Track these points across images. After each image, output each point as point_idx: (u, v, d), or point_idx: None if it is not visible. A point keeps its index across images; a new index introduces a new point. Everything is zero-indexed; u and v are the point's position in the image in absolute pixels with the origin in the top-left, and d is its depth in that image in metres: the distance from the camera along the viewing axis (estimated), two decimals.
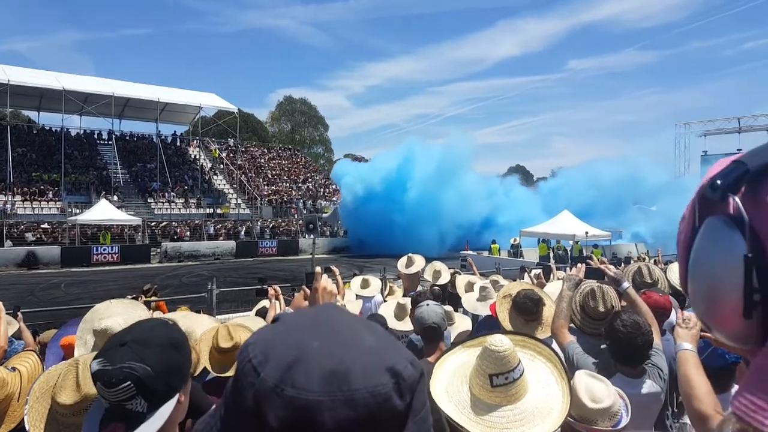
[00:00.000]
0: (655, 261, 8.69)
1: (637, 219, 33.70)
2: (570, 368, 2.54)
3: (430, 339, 3.03)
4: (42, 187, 32.68)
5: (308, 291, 2.08)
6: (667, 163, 47.26)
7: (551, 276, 6.18)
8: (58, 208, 31.74)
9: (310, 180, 47.92)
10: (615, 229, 27.81)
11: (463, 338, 3.82)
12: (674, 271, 4.29)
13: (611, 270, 3.06)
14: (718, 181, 0.60)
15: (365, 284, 6.29)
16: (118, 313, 2.69)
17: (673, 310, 3.50)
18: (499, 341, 1.78)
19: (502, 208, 36.80)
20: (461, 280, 5.80)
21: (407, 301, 4.70)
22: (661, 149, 39.68)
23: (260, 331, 0.63)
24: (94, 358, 1.37)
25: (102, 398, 1.34)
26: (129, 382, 1.29)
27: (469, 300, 4.91)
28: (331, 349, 0.56)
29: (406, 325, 4.39)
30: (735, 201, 0.59)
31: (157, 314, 4.57)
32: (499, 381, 1.74)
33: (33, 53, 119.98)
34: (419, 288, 5.92)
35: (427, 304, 3.14)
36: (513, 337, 1.94)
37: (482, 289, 4.87)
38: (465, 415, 1.77)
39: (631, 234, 32.00)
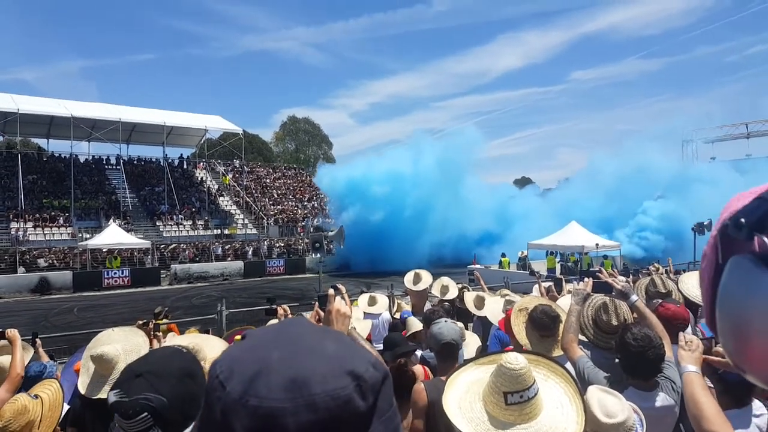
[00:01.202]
0: (666, 271, 8.59)
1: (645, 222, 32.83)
2: (581, 383, 2.53)
3: (447, 356, 3.00)
4: (53, 213, 32.98)
5: (321, 313, 2.10)
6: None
7: (562, 289, 6.13)
8: (69, 233, 31.98)
9: (315, 198, 48.06)
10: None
11: (478, 354, 3.81)
12: (687, 282, 4.26)
13: (619, 284, 3.05)
14: (743, 220, 0.59)
15: (372, 301, 6.26)
16: (118, 340, 2.74)
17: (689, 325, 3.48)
18: (514, 359, 1.78)
19: (508, 219, 36.46)
20: (469, 295, 5.78)
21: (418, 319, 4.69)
22: (668, 156, 38.95)
23: (228, 349, 0.67)
24: (111, 389, 1.40)
25: (120, 429, 1.36)
26: (146, 413, 1.32)
27: (492, 312, 4.90)
28: (292, 359, 0.59)
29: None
30: (763, 240, 0.58)
31: (170, 336, 4.60)
32: (513, 399, 1.74)
33: (40, 82, 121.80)
34: (428, 304, 5.90)
35: (445, 321, 3.14)
36: (527, 355, 1.94)
37: (508, 302, 4.83)
38: (477, 430, 1.77)
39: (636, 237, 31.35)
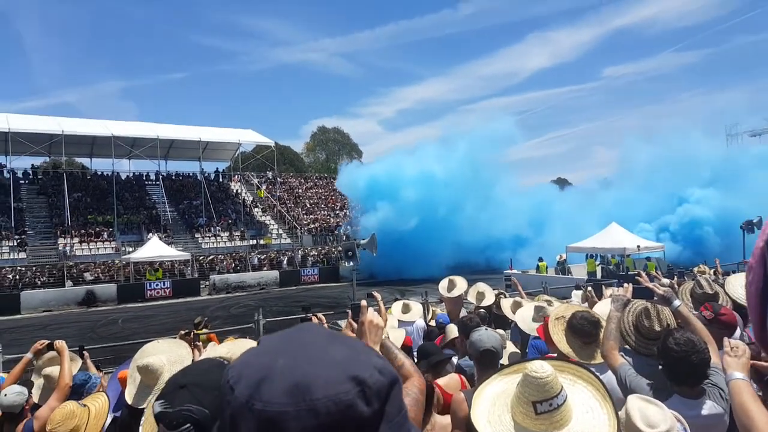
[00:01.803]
0: (715, 272, 8.25)
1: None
2: (623, 391, 2.46)
3: (487, 364, 2.94)
4: (97, 228, 34.21)
5: (354, 324, 2.10)
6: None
7: (602, 294, 5.96)
8: (112, 247, 33.12)
9: (347, 207, 48.34)
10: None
11: (516, 360, 3.76)
12: (733, 284, 4.09)
13: (660, 289, 2.96)
14: None
15: (406, 309, 6.22)
16: (163, 351, 2.81)
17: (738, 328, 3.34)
18: (540, 367, 1.74)
19: (544, 221, 35.02)
20: (506, 302, 5.67)
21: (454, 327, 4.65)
22: (713, 144, 36.14)
23: (241, 355, 0.68)
24: (156, 399, 1.45)
25: None
26: (189, 425, 1.36)
27: (523, 318, 4.75)
28: (296, 365, 0.60)
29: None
30: None
31: (211, 345, 4.70)
32: (543, 408, 1.70)
33: (81, 103, 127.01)
34: (463, 311, 5.84)
35: (486, 329, 3.10)
36: (551, 362, 1.91)
37: (538, 309, 4.72)
38: None
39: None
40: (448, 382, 3.10)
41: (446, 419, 2.65)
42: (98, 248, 32.90)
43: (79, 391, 3.68)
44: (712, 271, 8.45)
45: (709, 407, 2.35)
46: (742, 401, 1.82)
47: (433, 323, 6.05)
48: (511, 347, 4.19)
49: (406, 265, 30.99)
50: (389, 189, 34.04)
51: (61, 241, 31.99)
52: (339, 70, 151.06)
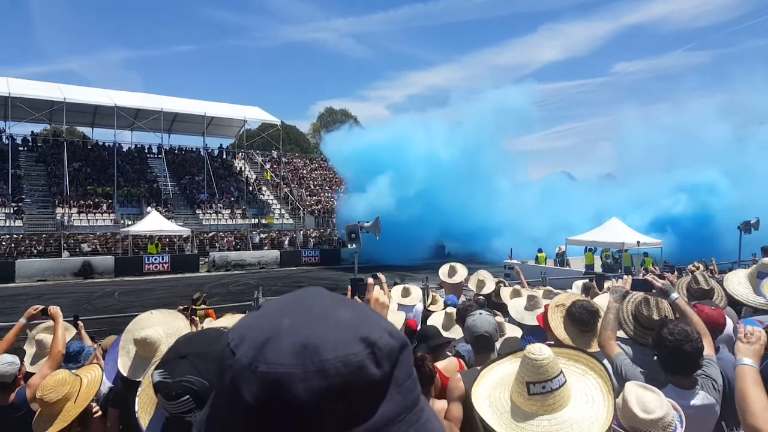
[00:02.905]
0: (710, 270, 8.27)
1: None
2: (619, 380, 2.49)
3: (481, 348, 2.99)
4: (96, 199, 34.21)
5: (359, 300, 2.10)
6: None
7: (603, 286, 5.96)
8: (111, 219, 33.16)
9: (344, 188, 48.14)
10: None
11: (512, 345, 3.78)
12: (732, 279, 4.10)
13: (659, 281, 2.98)
14: None
15: (406, 293, 6.25)
16: (159, 323, 2.77)
17: (730, 322, 3.36)
18: (538, 350, 1.77)
19: (543, 213, 34.31)
20: (506, 290, 5.69)
21: (454, 310, 4.68)
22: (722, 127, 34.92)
23: (242, 318, 0.65)
24: (156, 368, 1.44)
25: (163, 409, 1.40)
26: (188, 396, 1.34)
27: (516, 308, 4.74)
28: (303, 325, 0.57)
29: (453, 333, 4.37)
30: None
31: (208, 321, 4.71)
32: (535, 389, 1.73)
33: (85, 71, 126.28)
34: (462, 298, 5.86)
35: (480, 313, 3.12)
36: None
37: (530, 297, 4.72)
38: (500, 419, 1.77)
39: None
40: (447, 365, 3.13)
41: (443, 403, 2.67)
42: (97, 220, 32.92)
43: (74, 360, 3.67)
44: (708, 269, 8.48)
45: (701, 398, 2.40)
46: (743, 386, 1.85)
47: (432, 308, 6.07)
48: (510, 332, 4.21)
49: (401, 251, 30.18)
50: (387, 163, 32.43)
51: (59, 210, 31.98)
52: (349, 51, 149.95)
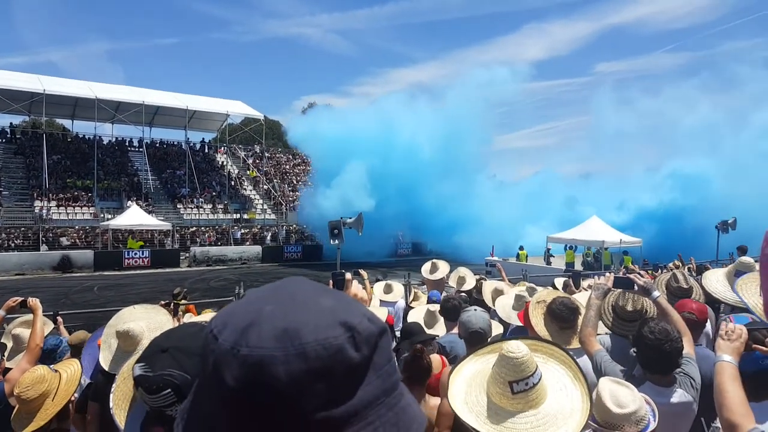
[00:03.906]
0: (689, 269, 8.43)
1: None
2: (598, 376, 2.52)
3: (475, 344, 3.02)
4: (76, 193, 33.62)
5: None
6: None
7: (580, 284, 6.03)
8: (91, 213, 32.61)
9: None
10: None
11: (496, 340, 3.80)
12: (710, 278, 4.17)
13: (640, 279, 3.03)
14: None
15: (388, 289, 6.26)
16: (141, 317, 2.74)
17: (708, 321, 3.43)
18: (516, 347, 1.77)
19: (524, 211, 34.59)
20: (488, 286, 5.70)
21: (437, 307, 4.70)
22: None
23: (225, 307, 0.67)
24: (137, 362, 1.42)
25: (143, 402, 1.39)
26: (169, 390, 1.33)
27: (503, 307, 4.63)
28: (285, 311, 0.59)
29: (437, 330, 4.39)
30: None
31: (188, 316, 4.67)
32: (519, 387, 1.74)
33: (66, 63, 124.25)
34: (444, 293, 5.88)
35: (475, 310, 3.17)
36: (524, 341, 1.93)
37: (518, 297, 4.61)
38: (488, 424, 1.76)
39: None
40: (432, 361, 3.14)
41: (436, 400, 2.69)
42: (76, 213, 32.34)
43: (50, 356, 3.60)
44: (687, 267, 8.63)
45: (679, 395, 2.43)
46: (721, 381, 1.90)
47: (414, 304, 6.08)
48: (497, 329, 4.22)
49: (377, 248, 30.13)
50: (362, 153, 31.01)
51: (37, 203, 31.38)
52: (333, 47, 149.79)
